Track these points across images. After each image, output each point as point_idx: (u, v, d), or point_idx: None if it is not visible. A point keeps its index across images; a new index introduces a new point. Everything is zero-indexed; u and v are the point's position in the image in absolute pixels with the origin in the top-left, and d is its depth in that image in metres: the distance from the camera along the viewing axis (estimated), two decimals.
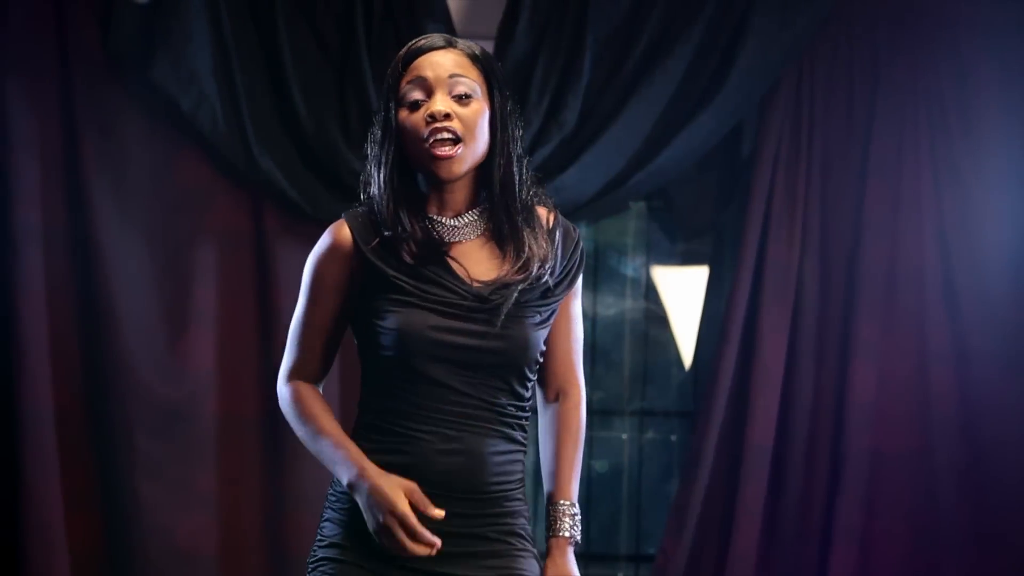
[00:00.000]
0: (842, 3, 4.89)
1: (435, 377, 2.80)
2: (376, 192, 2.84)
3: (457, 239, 2.85)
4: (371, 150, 2.86)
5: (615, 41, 4.82)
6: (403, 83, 2.81)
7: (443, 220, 2.85)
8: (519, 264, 2.82)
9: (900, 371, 4.92)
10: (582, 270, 2.94)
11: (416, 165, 2.82)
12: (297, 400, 2.88)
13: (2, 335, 4.68)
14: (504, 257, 2.84)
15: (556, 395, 2.96)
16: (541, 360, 2.89)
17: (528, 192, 2.88)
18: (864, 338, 4.88)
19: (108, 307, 4.72)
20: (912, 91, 4.92)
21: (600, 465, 5.32)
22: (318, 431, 2.84)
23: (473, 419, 2.82)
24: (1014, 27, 4.94)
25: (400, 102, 2.81)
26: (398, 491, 2.74)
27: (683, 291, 5.30)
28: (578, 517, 2.89)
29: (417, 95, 2.79)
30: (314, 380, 2.93)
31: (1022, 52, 4.94)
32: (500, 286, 2.80)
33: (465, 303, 2.79)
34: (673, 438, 5.31)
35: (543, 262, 2.83)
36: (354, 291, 2.86)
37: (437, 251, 2.82)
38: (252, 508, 4.81)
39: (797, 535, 4.92)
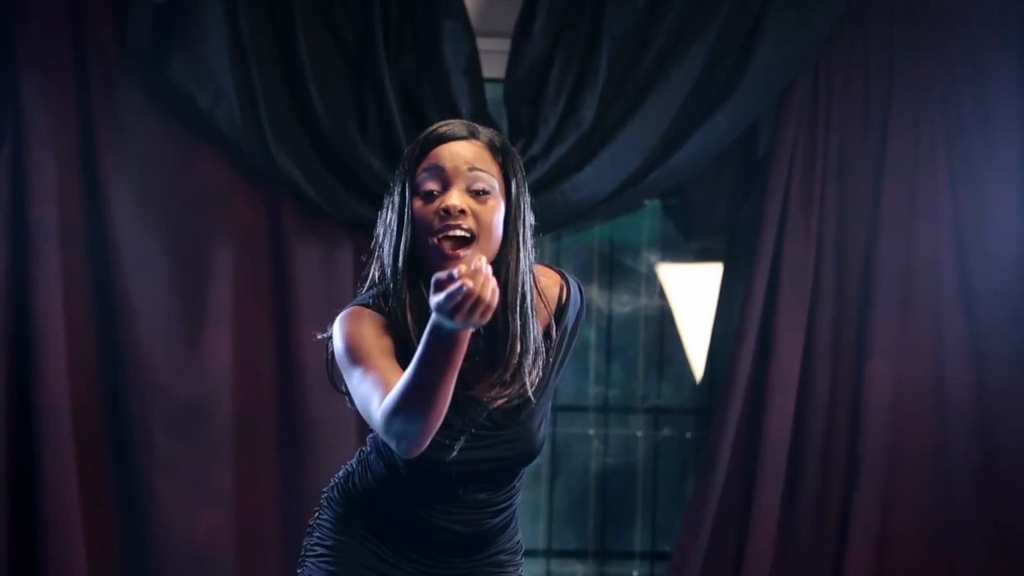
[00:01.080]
0: (858, 1, 4.89)
1: (435, 486, 2.78)
2: (392, 284, 2.71)
3: None
4: (382, 237, 2.75)
5: (632, 39, 4.82)
6: (419, 170, 2.70)
7: None
8: (509, 362, 2.67)
9: (916, 369, 4.92)
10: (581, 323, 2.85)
11: (423, 256, 2.69)
12: (392, 404, 2.54)
13: (20, 333, 4.69)
14: (495, 371, 2.69)
15: None
16: None
17: (531, 293, 2.72)
18: (880, 336, 4.88)
19: (125, 305, 4.72)
20: (928, 89, 4.92)
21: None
22: (405, 382, 2.51)
23: (470, 507, 2.81)
24: None
25: (415, 190, 2.70)
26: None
27: (698, 289, 5.30)
28: None
29: (433, 186, 2.68)
30: None
31: None
32: (513, 408, 2.72)
33: (469, 430, 2.72)
34: (688, 436, 5.31)
35: (534, 357, 2.70)
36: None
37: None
38: (268, 506, 4.82)
39: (813, 533, 4.92)
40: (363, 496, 2.87)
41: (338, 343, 2.68)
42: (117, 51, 4.71)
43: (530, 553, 5.08)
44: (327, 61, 4.74)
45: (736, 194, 5.04)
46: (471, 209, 2.65)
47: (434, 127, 2.74)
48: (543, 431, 2.82)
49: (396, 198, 2.71)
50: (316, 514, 2.99)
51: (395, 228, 2.70)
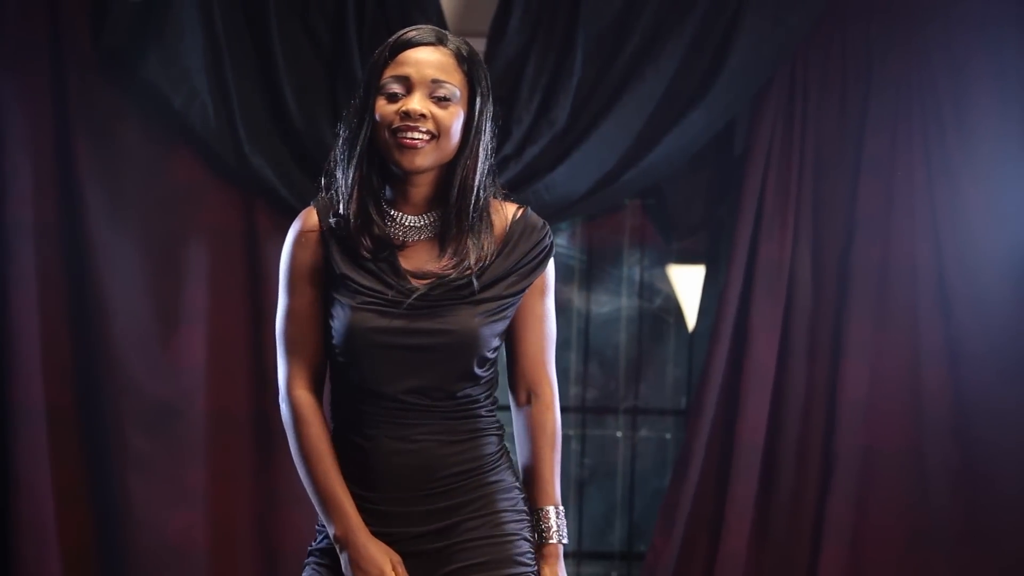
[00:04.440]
0: (835, 0, 4.88)
1: (378, 378, 2.82)
2: (341, 175, 2.86)
3: (412, 238, 2.87)
4: (343, 132, 2.87)
5: (607, 38, 4.82)
6: (386, 73, 2.81)
7: (402, 217, 2.87)
8: (451, 263, 2.84)
9: (892, 369, 4.91)
10: (545, 268, 2.94)
11: (382, 152, 2.83)
12: (297, 420, 2.89)
13: None
14: (443, 256, 2.86)
15: (527, 396, 2.98)
16: (491, 356, 2.90)
17: (485, 199, 2.89)
18: (856, 336, 4.88)
19: (100, 304, 4.73)
20: (906, 88, 4.91)
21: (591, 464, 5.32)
22: (315, 467, 2.86)
23: (420, 417, 2.85)
24: (1008, 22, 4.92)
25: (380, 90, 2.81)
26: (387, 560, 2.81)
27: (679, 289, 5.29)
28: (564, 520, 2.93)
29: (397, 88, 2.80)
30: (313, 381, 2.93)
31: (1016, 48, 4.91)
32: (433, 283, 2.82)
33: (405, 300, 2.81)
34: (668, 436, 5.31)
35: (475, 263, 2.84)
36: (325, 280, 2.88)
37: (388, 247, 2.84)
38: (242, 504, 4.83)
39: (788, 533, 4.91)
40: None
41: (283, 252, 2.91)
42: (93, 52, 4.73)
43: None
44: (302, 61, 4.75)
45: (713, 194, 5.04)
46: (431, 113, 2.78)
47: (403, 31, 2.85)
48: (484, 337, 2.85)
49: (359, 97, 2.84)
50: None
51: (355, 121, 2.83)
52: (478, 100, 2.84)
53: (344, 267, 2.84)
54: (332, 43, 4.75)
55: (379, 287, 2.82)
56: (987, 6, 4.93)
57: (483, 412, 2.92)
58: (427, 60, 2.80)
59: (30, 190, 4.70)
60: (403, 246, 2.86)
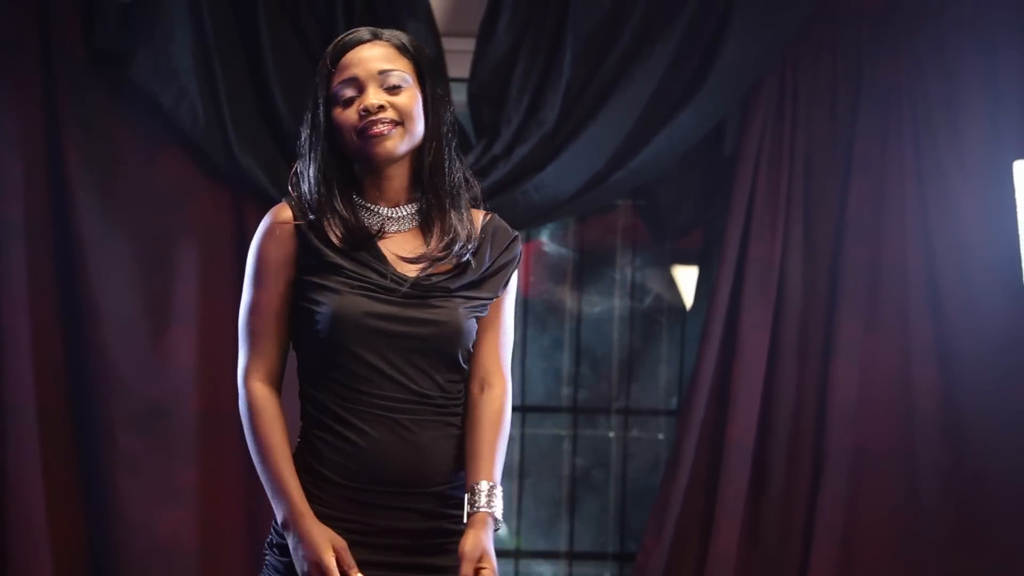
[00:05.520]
0: (826, 1, 4.88)
1: (367, 363, 2.83)
2: (307, 184, 2.88)
3: (393, 229, 2.90)
4: (302, 147, 2.90)
5: (596, 39, 4.82)
6: (334, 82, 2.85)
7: (380, 209, 2.90)
8: (443, 243, 2.87)
9: (883, 370, 4.91)
10: (515, 271, 2.98)
11: (353, 156, 2.87)
12: (252, 410, 2.91)
13: None
14: (431, 240, 2.89)
15: (481, 387, 2.97)
16: (471, 350, 2.92)
17: (458, 176, 2.93)
18: (847, 337, 4.87)
19: (90, 304, 4.74)
20: (896, 88, 4.91)
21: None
22: (265, 454, 2.89)
23: (409, 408, 2.85)
24: (1000, 24, 4.91)
25: (334, 100, 2.85)
26: (327, 545, 2.80)
27: (672, 289, 5.29)
28: (497, 495, 2.89)
29: (350, 93, 2.84)
30: (272, 375, 2.93)
31: (1008, 49, 4.91)
32: (426, 266, 2.85)
33: (396, 287, 2.83)
34: (660, 437, 5.30)
35: (467, 241, 2.88)
36: (296, 274, 2.88)
37: (368, 238, 2.86)
38: (233, 504, 4.83)
39: (778, 534, 4.91)
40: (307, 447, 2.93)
41: (251, 245, 2.92)
42: (83, 52, 4.73)
43: (500, 553, 5.06)
44: (291, 61, 4.75)
45: (703, 195, 5.04)
46: (389, 103, 2.83)
47: (338, 38, 2.90)
48: (468, 331, 2.88)
49: (310, 113, 2.89)
50: None
51: (311, 137, 2.88)
52: (428, 81, 2.89)
53: (333, 255, 2.84)
54: (322, 43, 4.74)
55: (371, 274, 2.84)
56: (978, 8, 4.92)
57: (455, 422, 2.93)
58: (369, 56, 2.85)
59: (20, 189, 4.70)
60: (383, 235, 2.88)
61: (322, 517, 2.85)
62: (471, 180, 2.99)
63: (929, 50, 4.91)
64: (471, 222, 2.92)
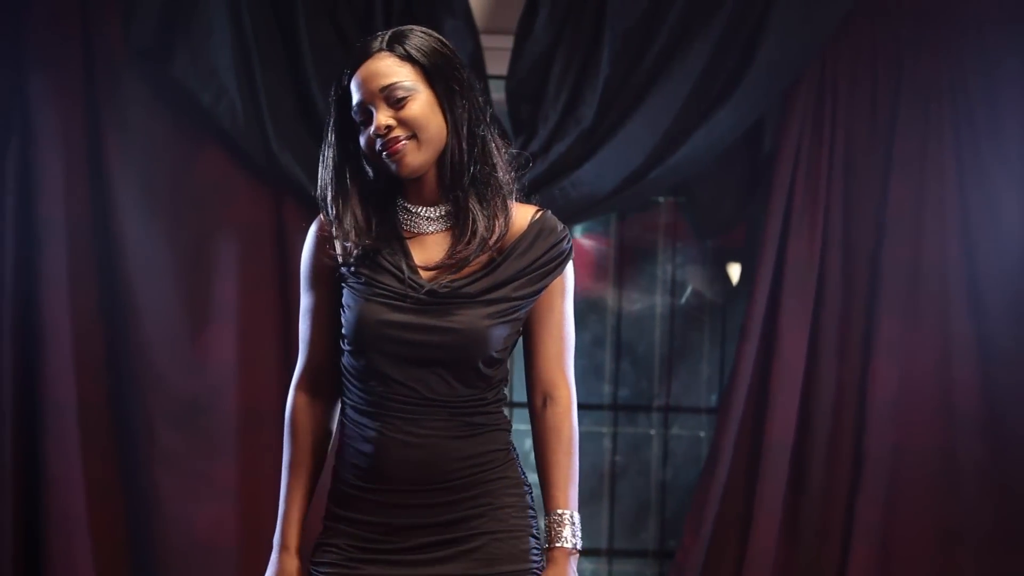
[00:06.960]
0: None
1: (384, 371, 2.85)
2: (319, 191, 2.93)
3: (431, 229, 2.91)
4: (324, 162, 2.93)
5: (634, 36, 4.81)
6: (352, 106, 2.86)
7: (418, 210, 2.91)
8: (457, 248, 2.86)
9: (922, 368, 4.88)
10: (561, 272, 2.94)
11: (383, 173, 2.88)
12: (288, 422, 3.02)
13: (26, 328, 4.76)
14: (456, 241, 2.88)
15: (544, 400, 2.97)
16: (499, 356, 2.90)
17: (485, 169, 2.90)
18: (886, 335, 4.85)
19: (130, 300, 4.77)
20: (937, 85, 4.88)
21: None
22: (284, 472, 3.01)
23: (427, 412, 2.85)
24: None
25: (357, 126, 2.87)
26: None
27: (713, 286, 5.29)
28: (578, 525, 2.92)
29: (363, 117, 2.85)
30: (318, 381, 2.99)
31: None
32: (437, 275, 2.85)
33: (416, 295, 2.84)
34: (701, 434, 5.30)
35: (490, 240, 2.86)
36: (338, 280, 2.92)
37: (397, 239, 2.87)
38: (271, 500, 4.79)
39: (817, 533, 4.90)
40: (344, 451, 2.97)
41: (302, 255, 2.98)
42: (123, 49, 4.76)
43: None
44: (329, 58, 4.76)
45: (743, 192, 5.02)
46: (396, 119, 2.81)
47: (353, 51, 2.90)
48: (492, 339, 2.86)
49: (329, 132, 2.91)
50: None
51: (335, 156, 2.90)
52: (439, 81, 2.84)
53: (355, 262, 2.86)
54: (360, 40, 4.76)
55: (391, 281, 2.84)
56: (1020, 4, 4.89)
57: (490, 409, 2.92)
58: (369, 75, 2.83)
59: (61, 187, 4.75)
60: (415, 237, 2.89)
61: (346, 519, 2.91)
62: (505, 170, 2.94)
63: (970, 47, 4.88)
64: (506, 218, 2.89)
